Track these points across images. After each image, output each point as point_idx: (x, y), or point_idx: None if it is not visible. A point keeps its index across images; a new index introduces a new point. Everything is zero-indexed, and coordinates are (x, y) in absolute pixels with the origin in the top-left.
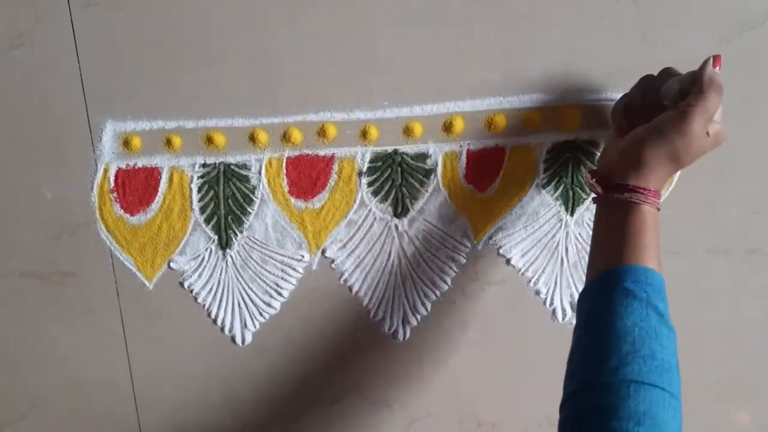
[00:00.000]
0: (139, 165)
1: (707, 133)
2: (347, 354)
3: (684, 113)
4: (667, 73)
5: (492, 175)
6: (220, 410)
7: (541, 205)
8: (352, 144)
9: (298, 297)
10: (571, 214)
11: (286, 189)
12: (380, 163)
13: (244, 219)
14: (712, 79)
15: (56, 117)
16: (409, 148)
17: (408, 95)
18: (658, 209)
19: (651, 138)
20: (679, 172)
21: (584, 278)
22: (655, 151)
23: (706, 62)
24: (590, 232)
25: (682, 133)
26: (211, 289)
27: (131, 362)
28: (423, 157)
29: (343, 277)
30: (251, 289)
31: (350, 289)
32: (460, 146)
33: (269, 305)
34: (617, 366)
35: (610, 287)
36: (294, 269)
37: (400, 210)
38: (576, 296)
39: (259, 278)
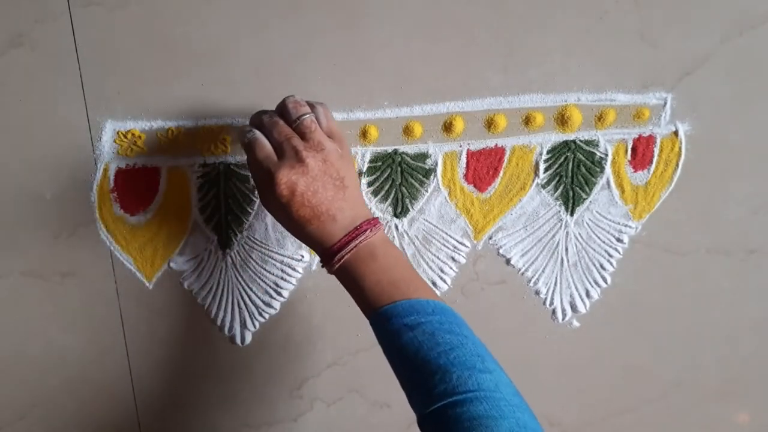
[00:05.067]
0: (139, 165)
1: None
2: (347, 354)
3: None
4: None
5: (492, 175)
6: (220, 410)
7: (541, 205)
8: (351, 144)
9: (298, 297)
10: (571, 214)
11: None
12: (380, 163)
13: (243, 219)
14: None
15: (56, 117)
16: (409, 148)
17: (408, 95)
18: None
19: None
20: (678, 172)
21: (583, 279)
22: None
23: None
24: (590, 233)
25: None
26: (210, 289)
27: (131, 362)
28: (423, 157)
29: None
30: (251, 289)
31: None
32: (460, 146)
33: (269, 305)
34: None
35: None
36: (294, 269)
37: (400, 210)
38: (576, 296)
39: (259, 278)
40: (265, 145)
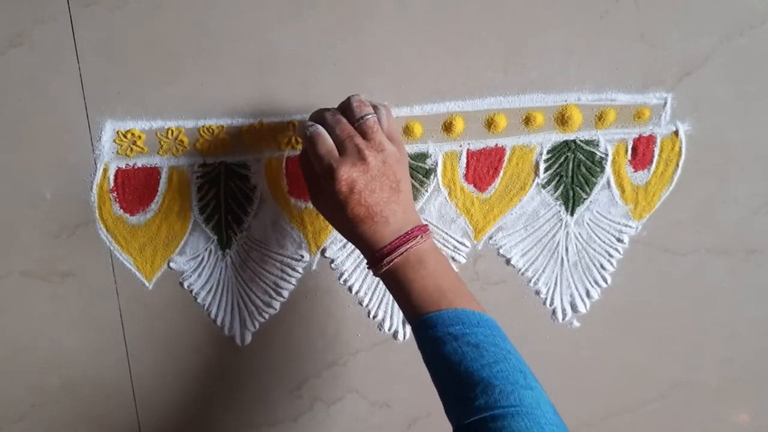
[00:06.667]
0: (139, 165)
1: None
2: (347, 354)
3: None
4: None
5: (492, 175)
6: (220, 410)
7: (541, 205)
8: None
9: (298, 297)
10: (571, 214)
11: (286, 189)
12: None
13: (243, 219)
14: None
15: (56, 117)
16: (409, 148)
17: (408, 95)
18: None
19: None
20: (678, 172)
21: (584, 279)
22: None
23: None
24: (590, 233)
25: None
26: (210, 289)
27: (131, 362)
28: (423, 157)
29: (343, 277)
30: (251, 289)
31: (350, 289)
32: (460, 146)
33: (269, 305)
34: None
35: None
36: (294, 269)
37: None
38: (576, 296)
39: (259, 278)
40: (327, 140)
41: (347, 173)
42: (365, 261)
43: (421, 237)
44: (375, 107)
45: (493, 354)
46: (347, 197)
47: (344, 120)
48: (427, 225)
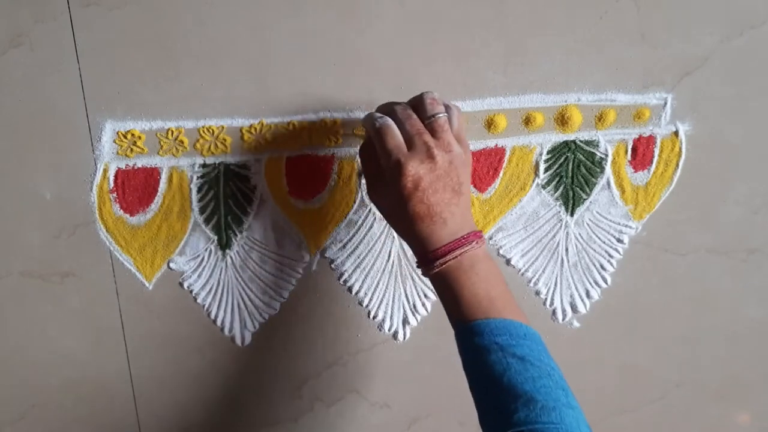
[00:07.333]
0: (139, 165)
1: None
2: (347, 354)
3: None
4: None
5: (492, 176)
6: (220, 410)
7: (541, 205)
8: (351, 144)
9: (298, 297)
10: (571, 215)
11: (286, 189)
12: None
13: (243, 219)
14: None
15: (55, 117)
16: None
17: (408, 95)
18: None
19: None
20: (678, 172)
21: (583, 279)
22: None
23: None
24: (590, 233)
25: None
26: (210, 289)
27: (131, 362)
28: None
29: (343, 278)
30: (251, 290)
31: (350, 289)
32: None
33: (269, 305)
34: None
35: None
36: (294, 269)
37: None
38: (576, 296)
39: (259, 278)
40: (396, 134)
41: (414, 169)
42: (366, 262)
43: (476, 243)
44: (446, 107)
45: (538, 368)
46: (411, 193)
47: (415, 116)
48: (481, 231)
